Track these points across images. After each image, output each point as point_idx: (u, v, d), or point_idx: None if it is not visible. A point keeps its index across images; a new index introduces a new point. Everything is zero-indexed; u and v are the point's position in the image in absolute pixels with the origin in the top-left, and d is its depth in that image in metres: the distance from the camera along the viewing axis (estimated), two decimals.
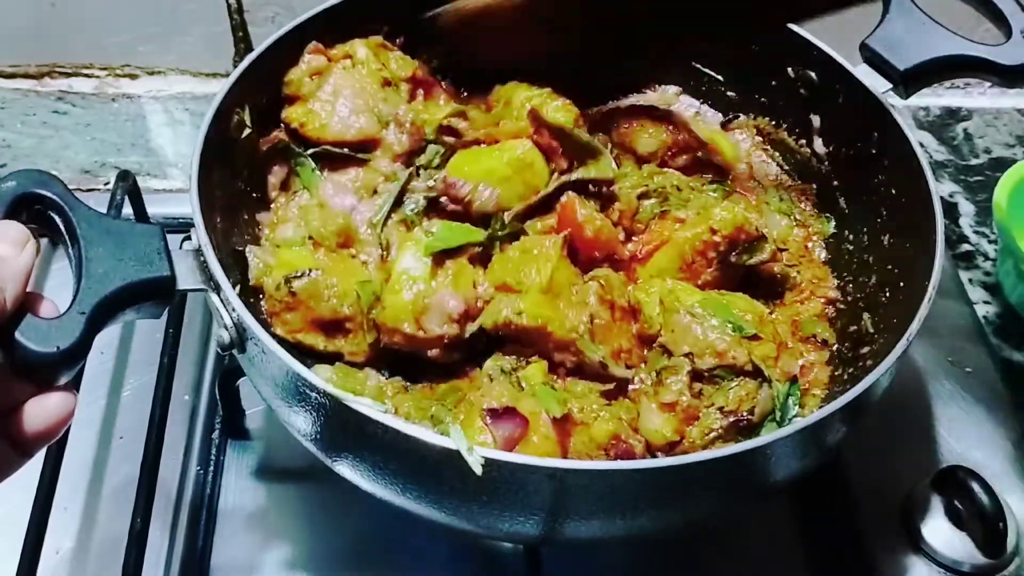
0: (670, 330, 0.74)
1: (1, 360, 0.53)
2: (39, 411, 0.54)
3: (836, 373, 0.79)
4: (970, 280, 1.08)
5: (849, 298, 0.84)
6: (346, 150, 0.83)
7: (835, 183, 0.89)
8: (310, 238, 0.78)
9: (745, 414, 0.71)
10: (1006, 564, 0.82)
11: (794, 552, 0.85)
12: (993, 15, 0.82)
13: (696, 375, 0.72)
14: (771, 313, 0.81)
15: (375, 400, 0.63)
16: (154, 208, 1.02)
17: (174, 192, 1.11)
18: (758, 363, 0.72)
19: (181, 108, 1.19)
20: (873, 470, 0.87)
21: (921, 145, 0.79)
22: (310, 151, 0.83)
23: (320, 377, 0.62)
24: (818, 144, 0.90)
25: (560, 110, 0.85)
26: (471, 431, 0.66)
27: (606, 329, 0.74)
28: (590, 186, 0.81)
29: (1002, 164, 1.13)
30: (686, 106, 0.97)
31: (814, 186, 0.91)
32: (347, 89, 0.84)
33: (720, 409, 0.71)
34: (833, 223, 0.88)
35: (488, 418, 0.67)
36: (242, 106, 0.79)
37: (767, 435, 0.60)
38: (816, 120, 0.89)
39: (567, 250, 0.76)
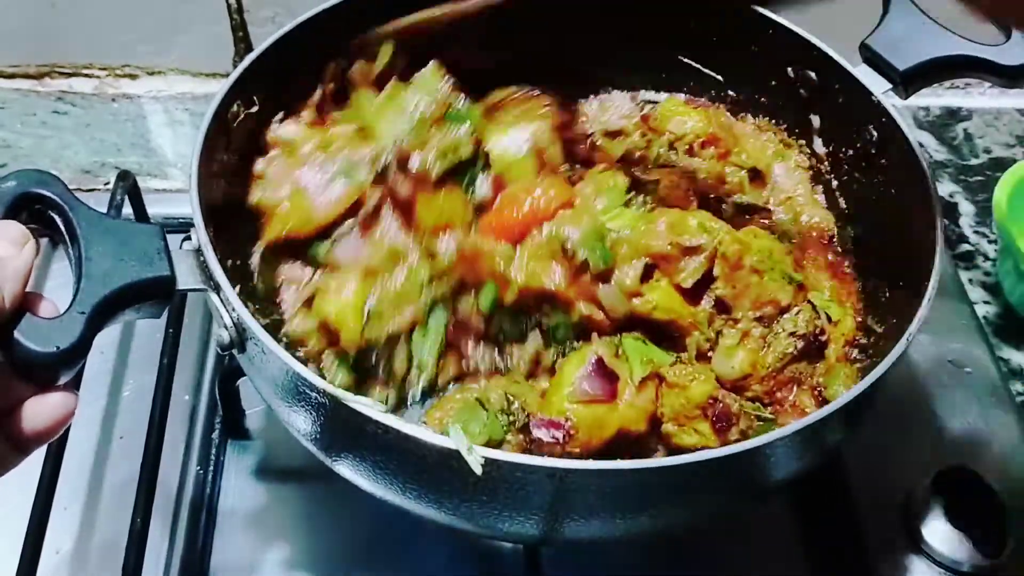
0: (731, 286, 0.76)
1: (1, 359, 0.53)
2: (39, 410, 0.54)
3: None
4: (970, 280, 1.08)
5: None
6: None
7: (835, 183, 0.89)
8: None
9: (814, 336, 0.76)
10: (1006, 564, 0.82)
11: (794, 552, 0.85)
12: None
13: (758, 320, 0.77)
14: None
15: None
16: (154, 208, 1.02)
17: (174, 192, 1.11)
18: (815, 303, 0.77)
19: (181, 108, 1.19)
20: (873, 470, 0.87)
21: (921, 145, 0.79)
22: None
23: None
24: (818, 144, 0.90)
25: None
26: (574, 365, 0.72)
27: None
28: None
29: (1002, 164, 1.13)
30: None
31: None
32: (304, 170, 0.79)
33: (792, 334, 0.75)
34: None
35: (593, 365, 0.72)
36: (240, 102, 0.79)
37: (767, 435, 0.60)
38: (816, 120, 0.89)
39: None
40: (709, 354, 0.77)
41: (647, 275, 0.77)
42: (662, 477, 0.60)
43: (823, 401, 0.76)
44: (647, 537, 0.78)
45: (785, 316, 0.77)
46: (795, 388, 0.77)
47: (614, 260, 0.76)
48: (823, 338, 0.77)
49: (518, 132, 0.83)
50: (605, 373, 0.72)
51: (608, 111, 0.95)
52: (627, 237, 0.77)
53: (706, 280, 0.77)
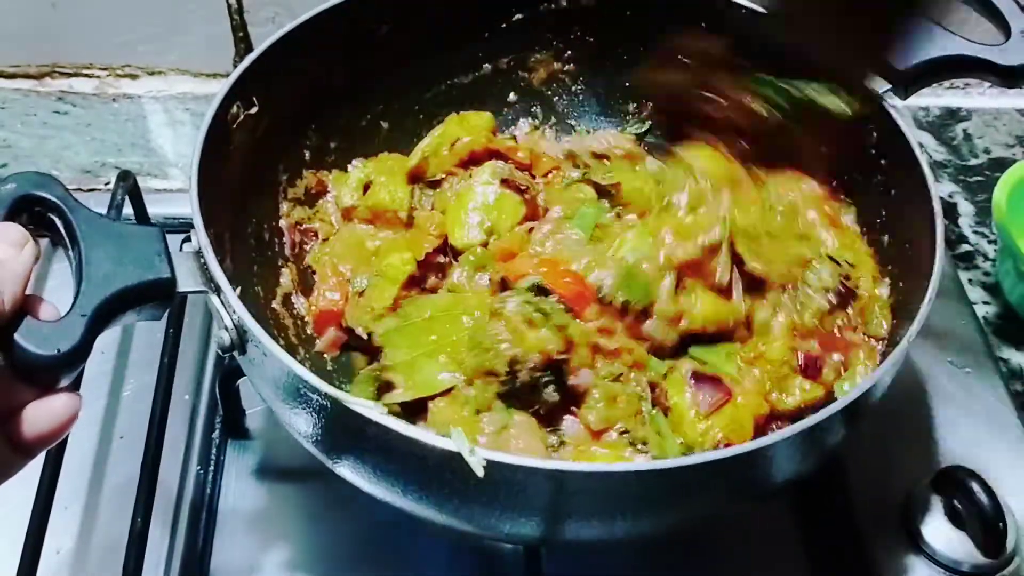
0: (758, 258, 0.78)
1: (1, 363, 0.53)
2: (42, 413, 0.54)
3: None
4: (970, 280, 1.08)
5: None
6: None
7: (835, 183, 0.89)
8: None
9: (843, 285, 0.78)
10: (1006, 564, 0.82)
11: (794, 552, 0.85)
12: (992, 15, 0.82)
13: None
14: None
15: None
16: (154, 208, 1.02)
17: (174, 192, 1.11)
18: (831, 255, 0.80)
19: (181, 108, 1.19)
20: (873, 470, 0.87)
21: (921, 145, 0.79)
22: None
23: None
24: None
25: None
26: (679, 393, 0.74)
27: None
28: None
29: (1002, 164, 1.13)
30: None
31: None
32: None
33: (824, 290, 0.78)
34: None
35: (693, 381, 0.74)
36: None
37: (768, 437, 0.61)
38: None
39: None
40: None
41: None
42: (662, 478, 0.60)
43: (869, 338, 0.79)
44: (647, 538, 0.78)
45: (809, 275, 0.78)
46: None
47: (654, 293, 0.77)
48: (850, 283, 0.79)
49: (479, 181, 0.86)
50: (707, 379, 0.74)
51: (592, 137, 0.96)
52: (646, 257, 0.77)
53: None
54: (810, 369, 0.77)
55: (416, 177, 0.90)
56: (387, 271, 0.83)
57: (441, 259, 0.85)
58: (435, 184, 0.90)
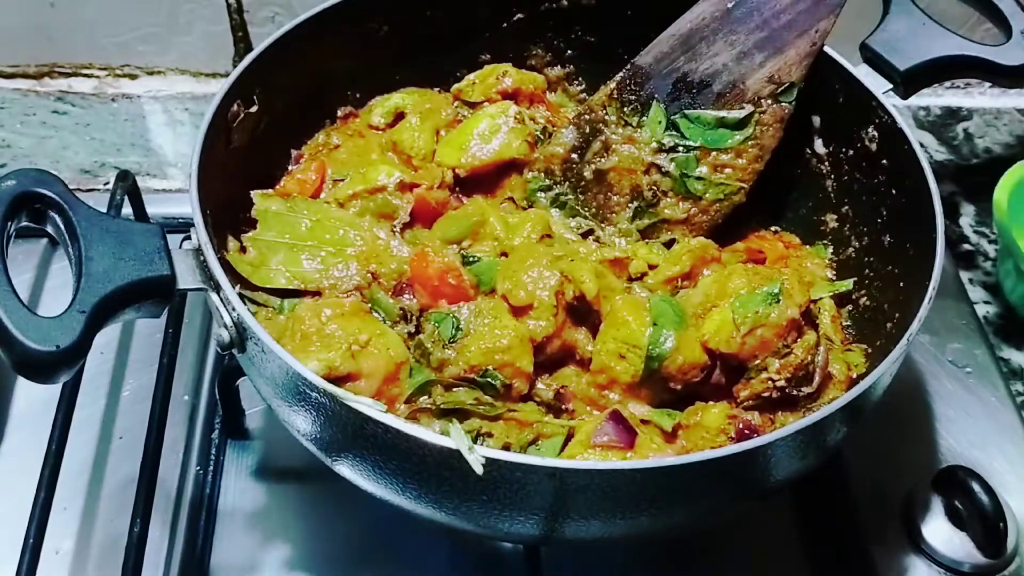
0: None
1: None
2: None
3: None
4: (970, 280, 1.08)
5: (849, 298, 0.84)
6: None
7: (835, 183, 0.89)
8: None
9: (795, 377, 0.73)
10: (1006, 564, 0.82)
11: (794, 552, 0.85)
12: (993, 15, 0.82)
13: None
14: None
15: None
16: (154, 208, 1.02)
17: (174, 192, 1.11)
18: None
19: (181, 108, 1.19)
20: (873, 470, 0.87)
21: (921, 145, 0.79)
22: None
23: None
24: (818, 144, 0.90)
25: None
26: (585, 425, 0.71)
27: None
28: None
29: (1002, 164, 1.13)
30: None
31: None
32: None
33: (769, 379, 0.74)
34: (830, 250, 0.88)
35: (609, 419, 0.70)
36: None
37: (767, 435, 0.60)
38: (816, 120, 0.89)
39: None
40: None
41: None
42: (662, 477, 0.60)
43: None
44: (647, 537, 0.78)
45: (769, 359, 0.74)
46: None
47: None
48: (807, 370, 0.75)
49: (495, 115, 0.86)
50: (623, 424, 0.70)
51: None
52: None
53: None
54: (745, 439, 0.71)
55: (457, 97, 0.91)
56: (366, 175, 0.83)
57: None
58: (474, 106, 0.90)
